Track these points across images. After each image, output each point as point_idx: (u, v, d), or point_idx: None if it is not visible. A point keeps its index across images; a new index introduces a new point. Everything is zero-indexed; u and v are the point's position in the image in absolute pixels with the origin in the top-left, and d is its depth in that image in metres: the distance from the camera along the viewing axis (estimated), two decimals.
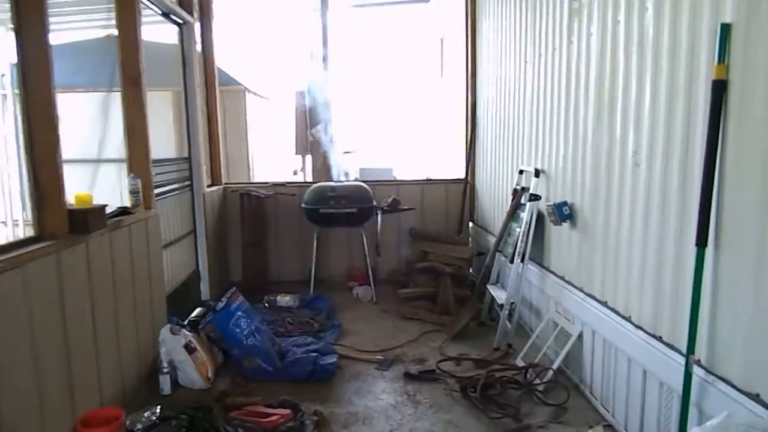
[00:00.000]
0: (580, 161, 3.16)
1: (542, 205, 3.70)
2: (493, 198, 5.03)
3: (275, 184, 5.68)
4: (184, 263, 4.66)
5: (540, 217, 3.73)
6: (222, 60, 8.14)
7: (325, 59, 6.42)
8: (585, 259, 3.12)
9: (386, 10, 8.54)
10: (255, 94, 8.53)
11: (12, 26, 2.36)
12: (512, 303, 3.79)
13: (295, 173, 10.50)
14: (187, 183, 4.74)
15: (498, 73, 4.82)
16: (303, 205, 4.95)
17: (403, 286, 4.99)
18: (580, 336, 3.10)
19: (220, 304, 3.39)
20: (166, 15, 4.32)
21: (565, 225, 3.31)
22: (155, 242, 3.63)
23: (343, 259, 5.73)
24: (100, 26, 7.75)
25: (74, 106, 8.26)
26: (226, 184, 5.68)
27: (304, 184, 5.61)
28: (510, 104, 4.48)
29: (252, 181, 8.20)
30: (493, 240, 4.89)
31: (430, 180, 5.90)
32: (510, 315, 3.80)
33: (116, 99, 3.65)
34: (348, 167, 12.46)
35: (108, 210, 3.21)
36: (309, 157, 7.39)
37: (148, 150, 3.61)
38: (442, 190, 5.80)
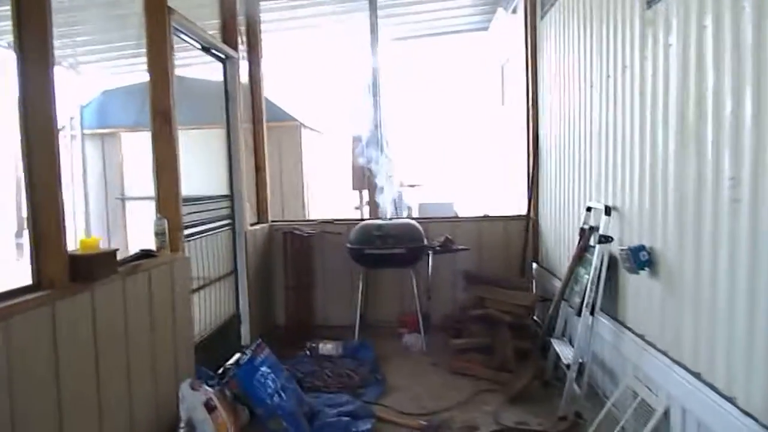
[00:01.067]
0: (660, 196, 2.62)
1: (615, 248, 3.15)
2: (559, 237, 4.48)
3: (322, 222, 5.40)
4: (223, 306, 4.42)
5: (612, 261, 3.17)
6: (277, 96, 8.13)
7: (376, 95, 6.15)
8: (670, 317, 2.55)
9: (445, 40, 8.26)
10: (311, 129, 8.44)
11: (15, 55, 2.21)
12: (581, 362, 3.22)
13: (357, 208, 10.31)
14: (228, 221, 4.54)
15: (561, 100, 4.33)
16: (348, 245, 4.61)
17: (456, 334, 4.49)
18: (666, 413, 2.50)
19: (244, 358, 3.06)
20: (206, 50, 4.20)
21: (644, 273, 2.75)
22: (182, 287, 3.38)
23: (392, 302, 5.31)
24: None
25: (133, 144, 8.51)
26: (272, 222, 5.46)
27: (353, 222, 5.28)
28: (575, 133, 3.98)
29: (307, 218, 8.02)
30: (558, 284, 4.34)
31: (488, 217, 5.41)
32: (579, 377, 3.23)
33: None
34: (408, 202, 12.17)
35: (131, 253, 3.00)
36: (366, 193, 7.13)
37: (178, 188, 3.41)
38: (500, 228, 5.29)
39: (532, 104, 5.18)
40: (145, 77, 3.36)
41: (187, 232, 3.66)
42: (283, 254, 4.97)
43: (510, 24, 6.59)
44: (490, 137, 8.28)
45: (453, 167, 10.07)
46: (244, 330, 4.71)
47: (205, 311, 4.04)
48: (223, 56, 4.48)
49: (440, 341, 4.62)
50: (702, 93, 2.24)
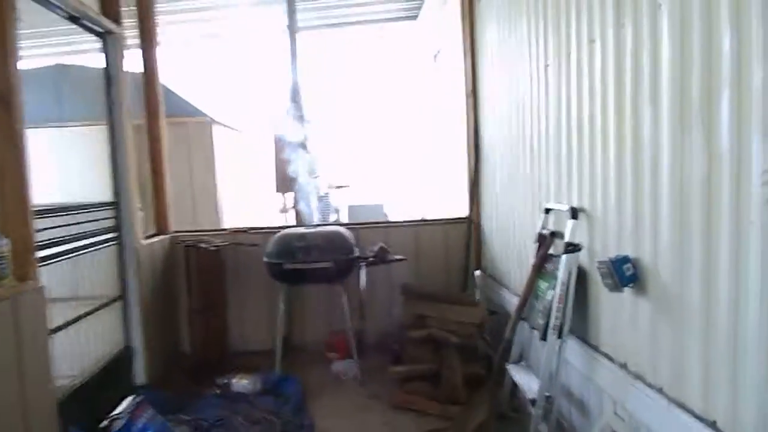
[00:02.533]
0: (648, 196, 2.11)
1: (584, 258, 2.64)
2: (507, 242, 3.97)
3: (235, 231, 4.61)
4: (108, 340, 3.55)
5: (582, 274, 2.66)
6: (185, 89, 7.22)
7: (297, 90, 5.43)
8: (666, 347, 2.03)
9: (372, 30, 7.64)
10: (226, 126, 7.57)
11: None
12: (548, 397, 2.68)
13: (283, 212, 9.48)
14: (113, 235, 3.67)
15: (508, 88, 3.82)
16: (265, 259, 3.87)
17: (395, 359, 3.87)
18: None
19: (117, 425, 2.27)
20: (75, 20, 3.33)
21: (627, 291, 2.24)
22: (34, 327, 2.53)
23: (320, 323, 4.62)
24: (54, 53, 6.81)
25: None
26: (175, 233, 4.61)
27: (271, 230, 4.53)
28: (525, 124, 3.46)
29: (222, 226, 7.14)
30: (507, 295, 3.82)
31: (426, 221, 4.84)
32: (546, 415, 2.68)
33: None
34: (336, 204, 11.46)
35: None
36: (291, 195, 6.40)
37: (26, 197, 2.56)
38: (440, 233, 4.74)
39: (472, 95, 4.66)
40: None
41: (46, 252, 2.81)
42: (186, 273, 4.14)
43: (442, 10, 6.07)
44: (423, 134, 7.77)
45: (383, 167, 9.49)
46: (139, 366, 3.85)
47: (81, 350, 3.17)
48: (101, 30, 3.61)
49: (377, 367, 3.98)
50: (711, 60, 1.72)
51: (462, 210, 4.97)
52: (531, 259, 3.12)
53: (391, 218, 7.60)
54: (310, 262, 3.71)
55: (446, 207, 5.91)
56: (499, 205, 4.16)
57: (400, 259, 4.08)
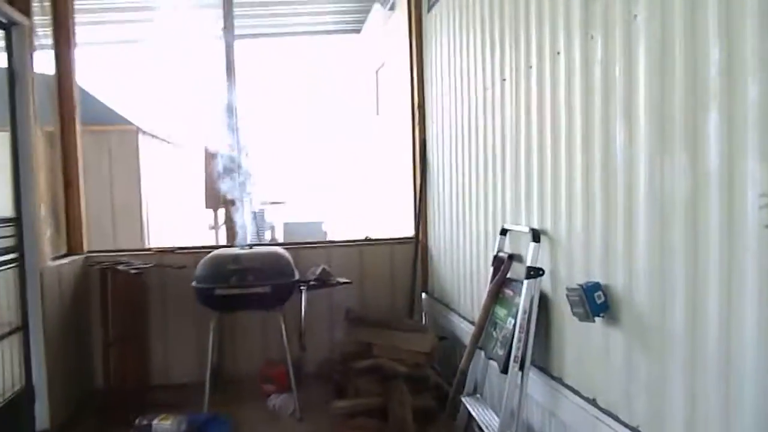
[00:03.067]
0: (621, 218, 1.96)
1: (545, 284, 2.47)
2: (457, 264, 3.78)
3: (160, 251, 4.17)
4: (2, 380, 3.03)
5: (543, 300, 2.49)
6: (107, 96, 6.65)
7: (232, 100, 5.08)
8: (642, 379, 1.87)
9: (312, 42, 7.38)
10: (153, 136, 7.03)
11: None
12: None
13: (212, 229, 8.94)
14: (13, 255, 3.17)
15: (456, 102, 3.67)
16: (194, 284, 3.47)
17: (338, 391, 3.57)
18: None
19: None
20: None
21: (598, 320, 2.07)
22: None
23: (255, 351, 4.24)
24: None
25: None
26: (89, 253, 4.10)
27: (201, 250, 4.13)
28: (477, 139, 3.31)
29: (146, 245, 6.57)
30: (457, 320, 3.62)
31: (370, 240, 4.59)
32: None
33: None
34: (271, 221, 11.01)
35: None
36: (223, 212, 5.97)
37: None
38: (385, 254, 4.50)
39: (418, 109, 4.49)
40: None
41: None
42: (100, 297, 3.65)
43: (387, 24, 5.92)
44: (364, 150, 7.56)
45: (321, 184, 9.18)
46: (41, 408, 3.32)
47: None
48: (4, 21, 3.15)
49: (319, 400, 3.65)
50: (699, 72, 1.59)
51: (408, 230, 4.77)
52: (486, 283, 2.94)
53: (332, 237, 7.31)
54: (245, 286, 3.35)
55: (390, 226, 5.70)
56: (447, 225, 3.98)
57: (345, 283, 3.80)
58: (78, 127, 4.09)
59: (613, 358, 2.03)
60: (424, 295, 4.51)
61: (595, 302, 2.02)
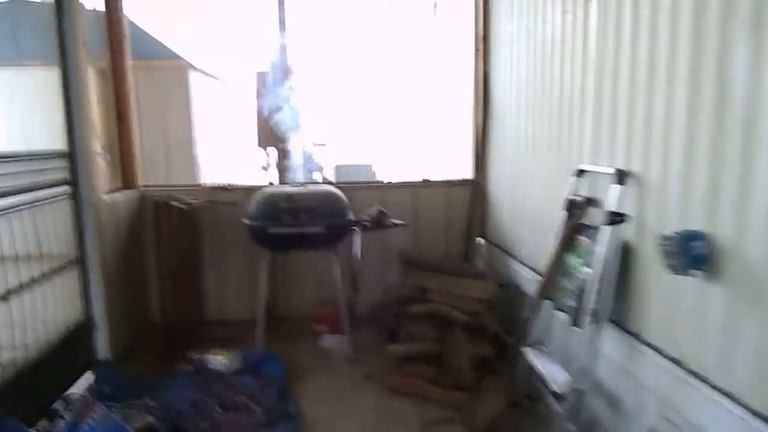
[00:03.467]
0: (736, 157, 1.67)
1: (628, 231, 2.22)
2: (521, 207, 3.54)
3: (213, 188, 4.10)
4: (60, 311, 3.06)
5: (625, 250, 2.24)
6: (159, 30, 6.53)
7: (282, 24, 4.85)
8: (749, 345, 1.64)
9: None
10: (205, 73, 6.91)
11: None
12: (578, 391, 2.30)
13: (264, 169, 8.92)
14: (66, 188, 3.14)
15: (528, 27, 3.31)
16: (247, 221, 3.38)
17: (392, 335, 3.48)
18: None
19: (60, 425, 1.82)
20: None
21: (696, 274, 1.82)
22: None
23: (308, 292, 4.19)
24: None
25: None
26: (144, 187, 4.08)
27: (253, 189, 4.03)
28: (554, 69, 2.98)
29: (198, 181, 6.58)
30: (518, 267, 3.42)
31: (426, 182, 4.37)
32: (574, 412, 2.31)
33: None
34: (320, 162, 10.92)
35: None
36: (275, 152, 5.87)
37: None
38: (441, 197, 4.28)
39: (482, 41, 4.13)
40: None
41: None
42: (155, 234, 3.63)
43: None
44: (420, 90, 7.22)
45: (373, 125, 8.92)
46: (101, 339, 3.38)
47: (24, 325, 2.69)
48: None
49: (371, 344, 3.59)
50: None
51: (464, 171, 4.52)
52: (554, 229, 2.70)
53: (387, 178, 7.15)
54: (298, 225, 3.24)
55: (445, 169, 5.45)
56: (511, 166, 3.71)
57: (400, 224, 3.63)
58: (129, 62, 3.97)
59: (711, 316, 1.79)
60: (480, 240, 4.30)
61: (695, 253, 1.77)
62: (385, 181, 4.46)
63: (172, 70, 6.31)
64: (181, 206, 3.41)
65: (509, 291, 3.60)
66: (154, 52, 6.27)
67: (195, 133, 6.56)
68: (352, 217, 3.47)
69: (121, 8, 3.93)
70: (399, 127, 8.15)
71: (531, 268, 3.29)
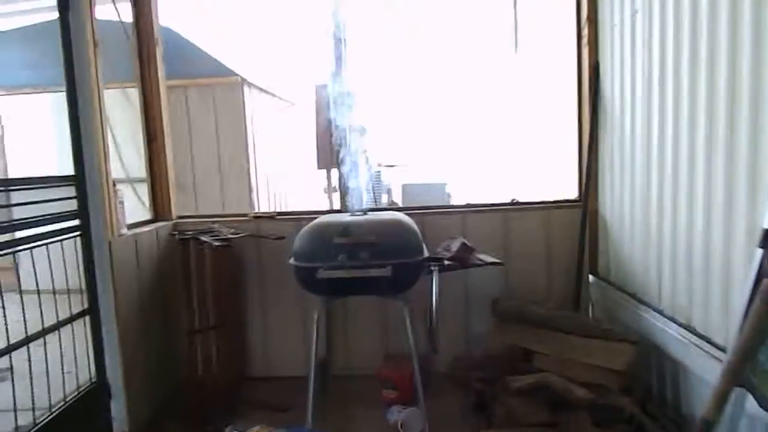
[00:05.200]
0: None
1: None
2: (658, 237, 2.59)
3: (257, 217, 3.41)
4: (66, 373, 2.44)
5: None
6: (210, 44, 6.09)
7: (341, 39, 4.20)
8: None
9: None
10: (261, 89, 6.41)
11: None
12: None
13: (327, 193, 8.34)
14: (76, 223, 2.54)
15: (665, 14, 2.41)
16: (292, 261, 2.63)
17: (479, 404, 2.61)
18: None
19: None
20: None
21: None
22: None
23: (372, 340, 3.41)
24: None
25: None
26: (179, 219, 3.46)
27: (307, 216, 3.32)
28: (715, 54, 2.06)
29: (257, 209, 6.00)
30: (653, 319, 2.50)
31: (519, 205, 3.49)
32: None
33: None
34: (387, 182, 10.21)
35: None
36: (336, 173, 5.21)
37: None
38: (539, 222, 3.39)
39: (589, 24, 3.24)
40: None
41: None
42: (183, 274, 2.95)
43: None
44: (497, 97, 6.38)
45: (444, 139, 8.13)
46: (118, 408, 2.73)
47: (28, 390, 2.07)
48: None
49: (453, 417, 2.73)
50: None
51: (565, 191, 3.62)
52: (735, 273, 1.76)
53: (465, 200, 6.31)
54: (357, 267, 2.45)
55: (537, 188, 4.56)
56: (641, 182, 2.77)
57: (493, 263, 2.76)
58: (161, 76, 3.40)
59: None
60: (591, 277, 3.36)
61: None
62: (466, 204, 3.61)
63: (225, 87, 5.82)
64: (214, 243, 2.71)
65: (643, 351, 2.66)
66: (208, 70, 5.81)
67: (252, 155, 6.02)
68: (426, 253, 2.64)
69: (153, 14, 3.37)
70: (478, 138, 7.29)
71: (683, 325, 2.34)
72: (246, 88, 5.86)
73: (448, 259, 2.70)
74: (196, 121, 5.77)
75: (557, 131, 4.10)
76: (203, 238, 2.78)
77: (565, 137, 3.86)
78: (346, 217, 2.77)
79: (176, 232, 3.13)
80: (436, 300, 2.73)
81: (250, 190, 6.01)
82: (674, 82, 2.38)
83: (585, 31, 3.28)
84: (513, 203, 3.48)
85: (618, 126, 3.00)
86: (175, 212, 3.45)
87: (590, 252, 3.33)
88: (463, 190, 7.38)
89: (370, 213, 2.92)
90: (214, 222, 3.30)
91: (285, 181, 7.51)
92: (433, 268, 2.69)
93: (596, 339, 2.45)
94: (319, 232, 2.59)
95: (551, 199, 3.50)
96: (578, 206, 3.34)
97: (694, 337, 2.27)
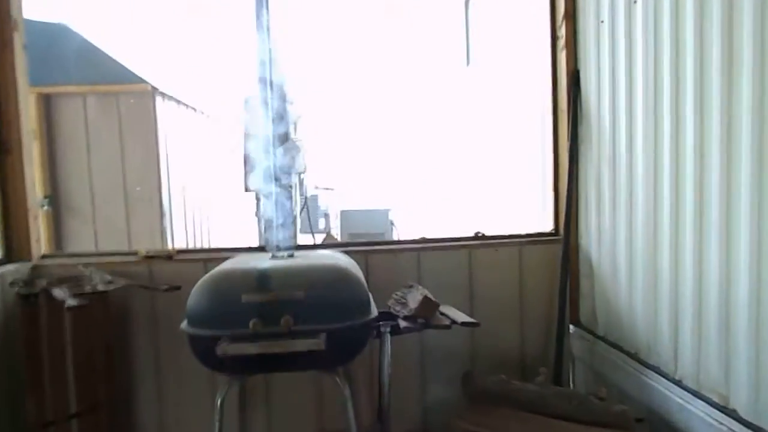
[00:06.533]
0: None
1: None
2: (668, 282, 2.01)
3: (149, 257, 2.59)
4: None
5: None
6: (116, 49, 5.21)
7: (271, 53, 3.51)
8: None
9: None
10: (180, 102, 5.57)
11: None
12: None
13: (257, 216, 7.48)
14: None
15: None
16: (185, 328, 1.84)
17: None
18: None
19: None
20: None
21: None
22: None
23: (304, 421, 2.63)
24: None
25: None
26: (43, 258, 2.59)
27: (215, 256, 2.54)
28: (742, 46, 1.52)
29: (165, 244, 5.10)
30: (666, 389, 1.92)
31: (485, 239, 2.86)
32: None
33: None
34: (326, 208, 9.44)
35: None
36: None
37: None
38: (510, 260, 2.76)
39: (566, 21, 2.69)
40: None
41: None
42: (29, 344, 2.08)
43: None
44: (450, 115, 5.84)
45: (387, 162, 7.51)
46: None
47: None
48: None
49: None
50: None
51: (534, 222, 3.05)
52: None
53: (411, 231, 5.67)
54: (278, 336, 1.70)
55: (498, 218, 3.98)
56: (640, 212, 2.20)
57: (468, 324, 2.07)
58: (21, 68, 2.55)
59: None
60: (571, 327, 2.76)
61: None
62: (420, 239, 2.93)
63: (133, 96, 4.95)
64: (69, 302, 1.88)
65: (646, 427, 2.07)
66: (112, 76, 4.93)
67: (165, 176, 5.14)
68: (374, 311, 1.93)
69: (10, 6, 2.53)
70: (427, 161, 6.70)
71: (716, 405, 1.76)
72: (158, 98, 5.01)
73: (405, 317, 2.00)
74: (95, 134, 4.85)
75: (521, 151, 3.54)
76: (56, 293, 1.94)
77: (530, 158, 3.31)
78: (264, 261, 2.02)
79: (22, 284, 2.25)
80: (387, 372, 2.02)
81: (162, 218, 5.11)
82: (696, 87, 1.82)
83: (562, 31, 2.73)
84: (478, 237, 2.84)
85: (607, 143, 2.44)
86: (36, 251, 2.57)
87: (571, 297, 2.74)
88: (408, 219, 6.75)
89: (298, 254, 2.17)
90: (87, 265, 2.45)
91: (208, 207, 6.61)
92: (383, 329, 1.99)
93: (596, 426, 1.80)
94: (223, 284, 1.82)
95: (523, 233, 2.89)
96: (555, 241, 2.76)
97: (736, 423, 1.69)
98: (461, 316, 2.04)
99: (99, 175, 4.88)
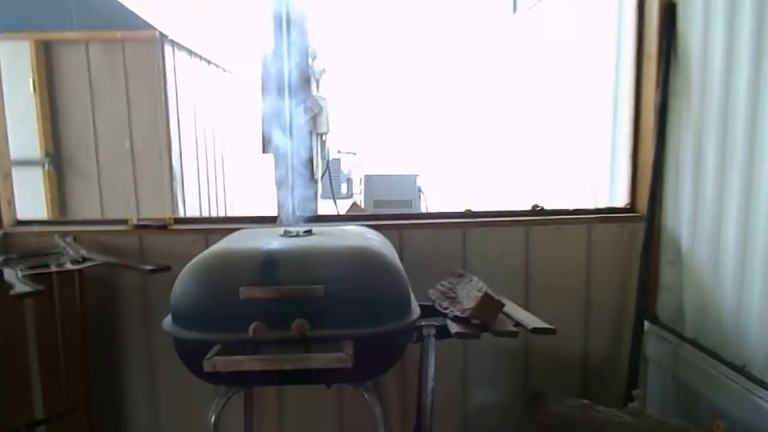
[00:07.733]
0: None
1: None
2: None
3: (141, 226, 2.16)
4: None
5: None
6: None
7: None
8: None
9: None
10: (191, 52, 5.08)
11: None
12: None
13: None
14: None
15: None
16: (168, 327, 1.41)
17: None
18: None
19: None
20: None
21: None
22: None
23: None
24: None
25: None
26: (18, 224, 2.18)
27: (219, 226, 2.11)
28: None
29: (177, 211, 4.69)
30: (764, 404, 1.37)
31: (545, 214, 2.35)
32: None
33: None
34: (348, 172, 8.89)
35: None
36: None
37: None
38: (574, 240, 2.27)
39: None
40: None
41: None
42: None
43: None
44: (487, 70, 5.27)
45: (414, 123, 6.98)
46: None
47: None
48: None
49: None
50: None
51: (603, 196, 2.53)
52: None
53: (432, 199, 5.20)
54: (288, 344, 1.26)
55: (540, 191, 3.48)
56: (765, 185, 1.68)
57: (544, 330, 1.60)
58: None
59: None
60: (646, 324, 2.27)
61: None
62: (465, 211, 2.43)
63: (139, 43, 4.48)
64: (18, 288, 1.44)
65: None
66: (116, 21, 4.46)
67: (175, 133, 4.70)
68: (416, 310, 1.46)
69: None
70: (459, 123, 6.13)
71: None
72: (167, 47, 4.53)
73: (456, 318, 1.53)
74: (100, 86, 4.42)
75: (580, 111, 3.00)
76: (7, 274, 1.52)
77: (594, 118, 2.77)
78: (274, 238, 1.55)
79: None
80: (430, 386, 1.57)
81: (172, 182, 4.69)
82: None
83: None
84: (536, 211, 2.34)
85: (716, 97, 1.90)
86: (8, 217, 2.16)
87: (649, 286, 2.24)
88: (438, 187, 6.24)
89: (317, 229, 1.70)
90: (64, 234, 2.03)
91: (226, 172, 6.19)
92: (426, 332, 1.52)
93: None
94: (216, 271, 1.36)
95: (591, 207, 2.38)
96: (634, 219, 2.25)
97: None
98: (530, 319, 1.57)
99: (104, 133, 4.47)
